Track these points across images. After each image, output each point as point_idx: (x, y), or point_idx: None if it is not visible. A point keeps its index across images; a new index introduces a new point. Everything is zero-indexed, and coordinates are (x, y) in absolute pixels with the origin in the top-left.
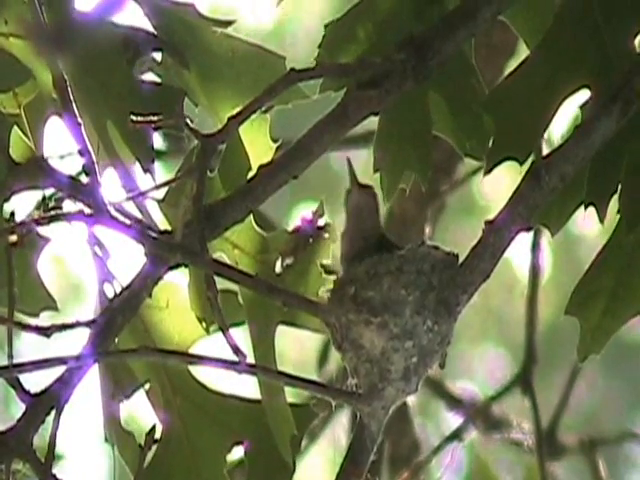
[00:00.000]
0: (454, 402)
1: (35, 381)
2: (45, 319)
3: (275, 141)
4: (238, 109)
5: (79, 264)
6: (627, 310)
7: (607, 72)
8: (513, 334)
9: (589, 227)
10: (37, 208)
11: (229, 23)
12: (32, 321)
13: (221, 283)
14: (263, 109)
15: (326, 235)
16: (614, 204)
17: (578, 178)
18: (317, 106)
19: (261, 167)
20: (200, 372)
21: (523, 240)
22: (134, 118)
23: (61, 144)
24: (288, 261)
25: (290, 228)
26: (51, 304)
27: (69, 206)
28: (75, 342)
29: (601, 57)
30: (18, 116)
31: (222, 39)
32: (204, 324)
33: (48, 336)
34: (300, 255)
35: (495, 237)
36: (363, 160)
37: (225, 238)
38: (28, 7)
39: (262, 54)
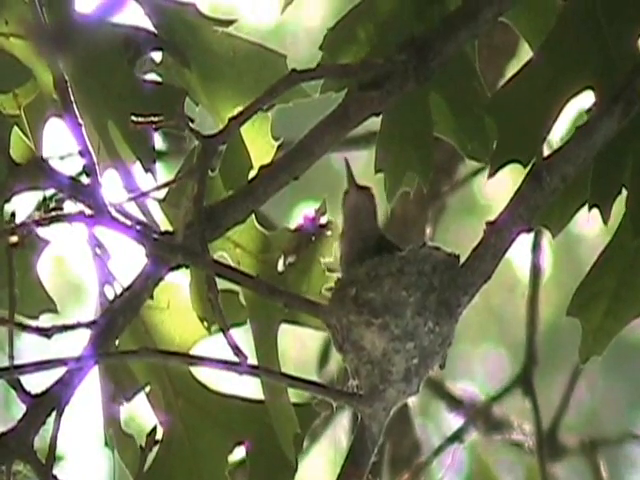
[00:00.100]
0: (455, 403)
1: (36, 382)
2: (46, 320)
3: (276, 140)
4: (239, 109)
5: (80, 265)
6: (629, 311)
7: (610, 73)
8: (514, 334)
9: (590, 227)
10: (37, 209)
11: (230, 22)
12: (33, 322)
13: (223, 283)
14: (264, 108)
15: (328, 233)
16: (617, 205)
17: (579, 179)
18: (318, 106)
19: (262, 168)
20: (201, 372)
21: (524, 240)
22: (135, 118)
23: (61, 145)
24: (290, 259)
25: (292, 227)
26: (50, 306)
27: (70, 207)
28: (76, 343)
29: (604, 58)
30: (18, 117)
31: (223, 38)
32: (205, 324)
33: (49, 337)
34: (302, 253)
35: (496, 238)
36: (364, 161)
37: (227, 237)
38: (29, 7)
39: (263, 53)
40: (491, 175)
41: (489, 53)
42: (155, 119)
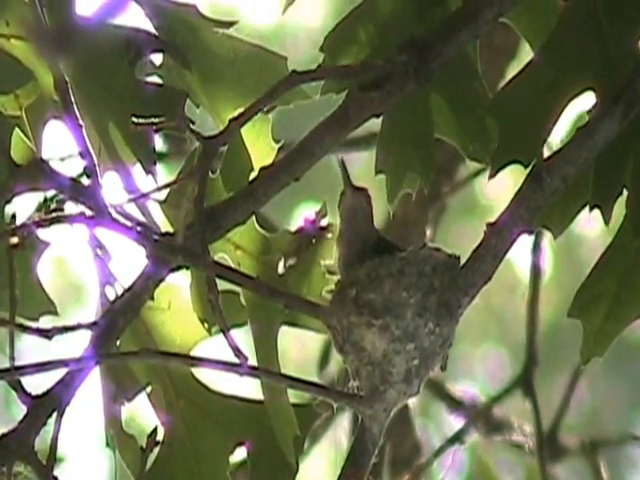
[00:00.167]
0: (455, 404)
1: (36, 383)
2: (46, 321)
3: (277, 142)
4: (240, 110)
5: (80, 266)
6: (630, 313)
7: (611, 74)
8: (514, 334)
9: (591, 227)
10: (38, 210)
11: (231, 24)
12: (33, 324)
13: (223, 284)
14: (265, 110)
15: (329, 235)
16: (618, 206)
17: (580, 180)
18: (319, 107)
19: (262, 169)
20: (202, 373)
21: (525, 241)
22: (135, 120)
23: (62, 146)
24: (291, 261)
25: (293, 228)
26: (51, 308)
27: (71, 208)
28: (76, 344)
29: (605, 59)
30: (19, 118)
31: (224, 40)
32: (206, 325)
33: (49, 338)
34: (303, 255)
35: (496, 239)
36: (365, 162)
37: (227, 239)
38: (30, 8)
39: (264, 55)
40: (492, 176)
41: (490, 54)
42: (155, 120)
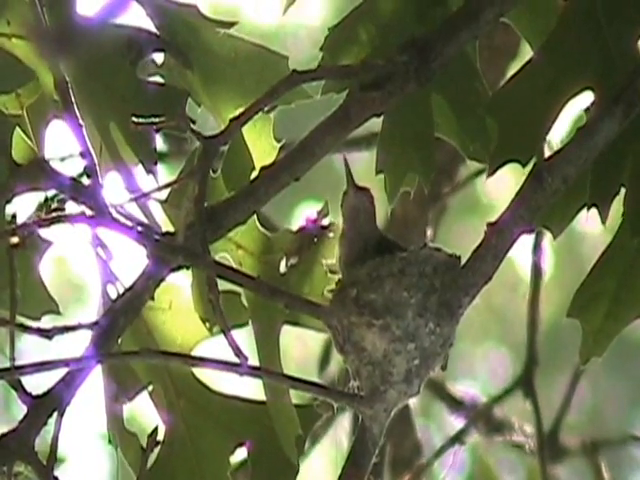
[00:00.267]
0: (456, 405)
1: (37, 383)
2: (47, 321)
3: (278, 141)
4: (241, 110)
5: (82, 265)
6: (629, 313)
7: (610, 74)
8: (516, 333)
9: (593, 225)
10: (39, 210)
11: (232, 24)
12: (34, 323)
13: (225, 284)
14: (266, 110)
15: (330, 235)
16: (618, 205)
17: (580, 180)
18: (319, 107)
19: (263, 168)
20: (203, 373)
21: (526, 240)
22: (136, 119)
23: (62, 146)
24: (292, 261)
25: (294, 228)
26: (53, 307)
27: (72, 207)
28: (77, 343)
29: (604, 59)
30: (20, 117)
31: (225, 40)
32: (207, 325)
33: (50, 338)
34: (304, 255)
35: (497, 239)
36: (365, 162)
37: (229, 238)
38: (30, 8)
39: (265, 54)
40: (490, 174)
41: (490, 54)
42: (156, 120)
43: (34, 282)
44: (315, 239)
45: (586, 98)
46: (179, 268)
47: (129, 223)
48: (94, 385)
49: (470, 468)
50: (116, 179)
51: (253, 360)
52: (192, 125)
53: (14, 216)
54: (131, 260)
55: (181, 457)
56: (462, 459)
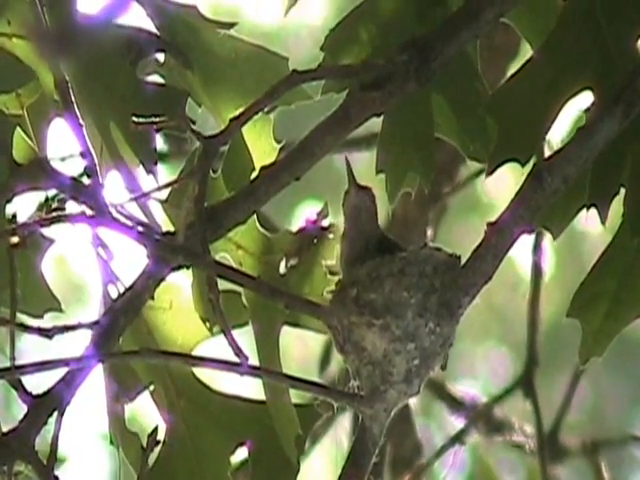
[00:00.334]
0: (456, 405)
1: (37, 383)
2: (47, 320)
3: (278, 142)
4: (241, 110)
5: (82, 265)
6: (629, 313)
7: (610, 74)
8: (516, 333)
9: (593, 224)
10: (39, 209)
11: (232, 25)
12: (34, 322)
13: (225, 284)
14: (266, 110)
15: (330, 235)
16: (618, 205)
17: (581, 180)
18: (319, 107)
19: (263, 168)
20: (203, 373)
21: (526, 239)
22: (136, 119)
23: (63, 146)
24: (292, 262)
25: (294, 229)
26: (55, 305)
27: (73, 207)
28: (77, 343)
29: (604, 59)
30: (21, 117)
31: (225, 40)
32: (208, 325)
33: (50, 337)
34: (304, 256)
35: (497, 239)
36: (366, 162)
37: (229, 238)
38: (30, 8)
39: (265, 55)
40: (489, 173)
41: (490, 54)
42: (156, 120)
43: (36, 280)
44: (315, 240)
45: (586, 98)
46: (179, 268)
47: (129, 223)
48: (95, 385)
49: (470, 468)
50: (116, 179)
51: (253, 360)
52: (192, 125)
53: (14, 216)
54: (131, 260)
55: (181, 457)
56: (462, 459)
